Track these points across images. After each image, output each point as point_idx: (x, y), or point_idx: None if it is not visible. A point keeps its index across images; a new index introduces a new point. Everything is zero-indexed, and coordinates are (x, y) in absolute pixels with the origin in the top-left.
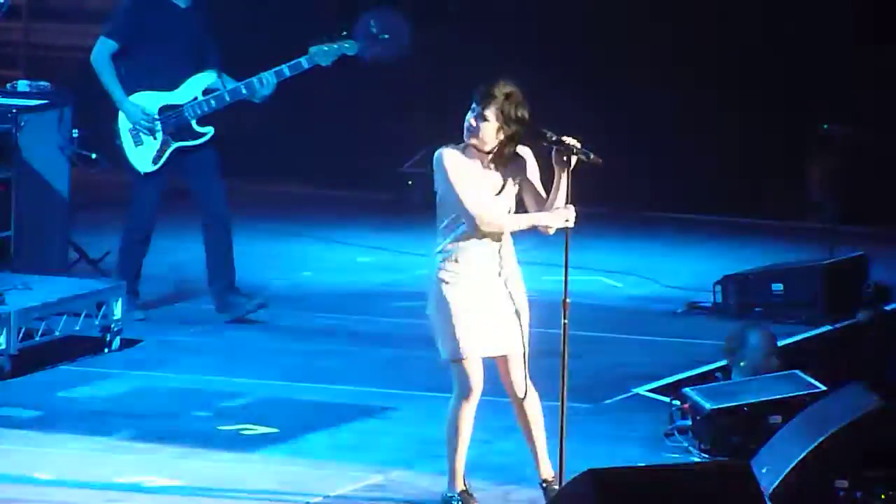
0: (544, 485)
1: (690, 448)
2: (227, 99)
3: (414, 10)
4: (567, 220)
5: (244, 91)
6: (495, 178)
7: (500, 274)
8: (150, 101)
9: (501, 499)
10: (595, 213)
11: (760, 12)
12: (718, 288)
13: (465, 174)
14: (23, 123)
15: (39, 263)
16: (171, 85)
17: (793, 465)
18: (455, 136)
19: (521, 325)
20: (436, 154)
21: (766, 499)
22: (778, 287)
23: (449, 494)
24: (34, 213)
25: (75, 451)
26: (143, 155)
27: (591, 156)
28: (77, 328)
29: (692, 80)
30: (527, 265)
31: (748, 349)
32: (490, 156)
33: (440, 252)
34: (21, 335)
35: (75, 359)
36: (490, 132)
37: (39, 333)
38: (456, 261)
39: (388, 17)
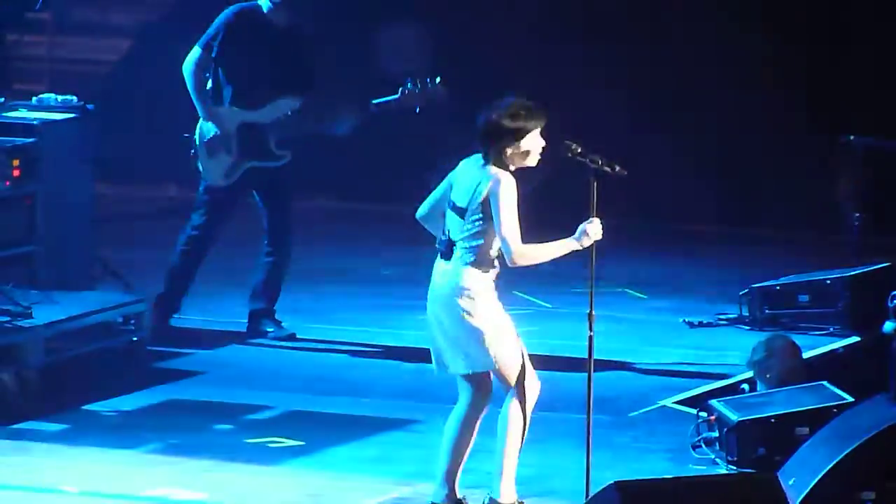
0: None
1: (717, 460)
2: (311, 128)
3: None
4: (595, 236)
5: (335, 127)
6: None
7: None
8: (231, 117)
9: None
10: (620, 225)
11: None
12: (744, 299)
13: (516, 206)
14: (47, 137)
15: (65, 277)
16: (256, 104)
17: (820, 476)
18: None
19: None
20: (496, 173)
21: None
22: (804, 298)
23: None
24: (59, 227)
25: (102, 465)
26: (215, 168)
27: (617, 168)
28: (103, 342)
29: (714, 90)
30: (552, 277)
31: (774, 360)
32: None
33: (470, 264)
34: (47, 349)
35: (102, 372)
36: None
37: (66, 348)
38: (484, 272)
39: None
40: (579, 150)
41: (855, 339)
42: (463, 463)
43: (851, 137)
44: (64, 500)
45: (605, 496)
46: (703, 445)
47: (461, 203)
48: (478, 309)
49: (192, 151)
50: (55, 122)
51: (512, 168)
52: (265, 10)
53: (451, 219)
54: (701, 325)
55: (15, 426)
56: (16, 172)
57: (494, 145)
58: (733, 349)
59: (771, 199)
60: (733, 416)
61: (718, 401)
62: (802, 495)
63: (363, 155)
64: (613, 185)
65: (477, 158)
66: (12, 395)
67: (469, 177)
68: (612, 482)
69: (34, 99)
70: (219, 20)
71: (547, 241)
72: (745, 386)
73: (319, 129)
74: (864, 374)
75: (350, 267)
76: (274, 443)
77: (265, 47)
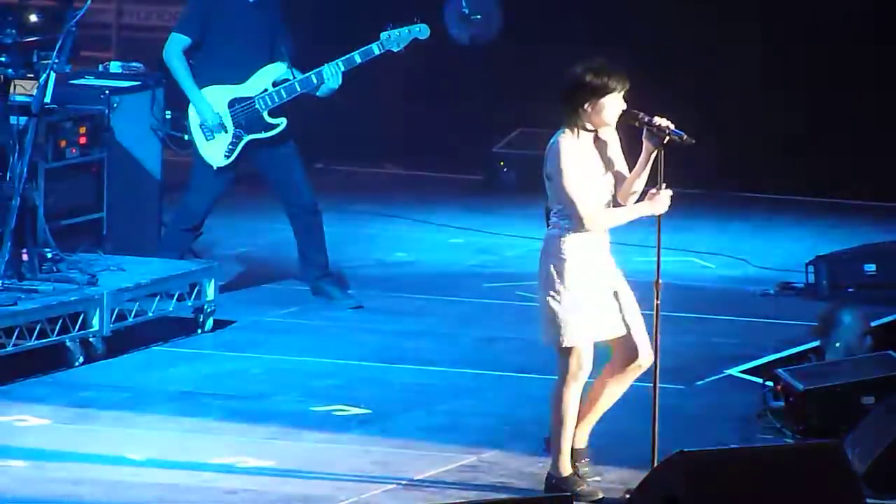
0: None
1: (783, 429)
2: (298, 89)
3: None
4: (665, 205)
5: (314, 80)
6: (599, 158)
7: (606, 256)
8: (219, 94)
9: (594, 479)
10: (686, 194)
11: None
12: (811, 268)
13: (580, 168)
14: (115, 105)
15: (132, 245)
16: (241, 78)
17: (886, 445)
18: (545, 116)
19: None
20: (554, 140)
21: (859, 479)
22: (871, 267)
23: (559, 476)
24: (126, 195)
25: (168, 432)
26: (214, 149)
27: (685, 136)
28: (170, 309)
29: (785, 57)
30: (619, 246)
31: (841, 330)
32: (594, 136)
33: (557, 235)
34: (114, 316)
35: (168, 340)
36: None
37: (132, 315)
38: (571, 238)
39: None
40: (647, 119)
41: None
42: (571, 435)
43: None
44: (129, 467)
45: (671, 465)
46: (769, 415)
47: (546, 168)
48: (550, 281)
49: (188, 137)
50: (122, 89)
51: (589, 128)
52: None
53: (547, 186)
54: (768, 294)
55: (81, 394)
56: (83, 140)
57: (572, 101)
58: (800, 318)
59: (840, 169)
60: (800, 386)
61: (785, 370)
62: (868, 464)
63: (431, 122)
64: (681, 153)
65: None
66: (78, 362)
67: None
68: (677, 451)
69: (101, 66)
70: (190, 3)
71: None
72: (812, 355)
73: (308, 91)
74: None
75: (418, 236)
76: (340, 411)
77: (241, 20)
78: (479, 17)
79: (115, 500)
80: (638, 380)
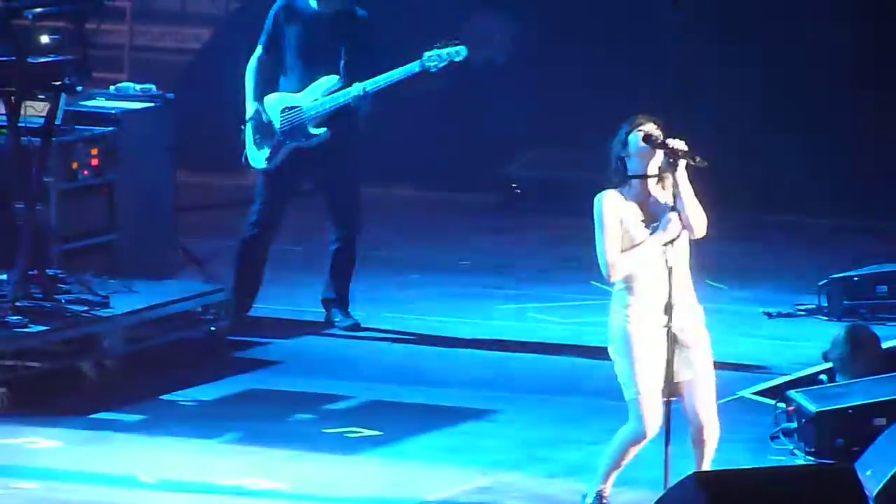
0: None
1: (795, 451)
2: (341, 101)
3: (519, 11)
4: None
5: (359, 94)
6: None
7: (669, 306)
8: (277, 102)
9: (611, 500)
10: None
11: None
12: (823, 290)
13: (609, 223)
14: (127, 126)
15: (145, 266)
16: (299, 87)
17: None
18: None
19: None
20: (597, 197)
21: (871, 501)
22: (883, 289)
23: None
24: (138, 216)
25: (181, 454)
26: (259, 152)
27: (698, 158)
28: (182, 331)
29: (802, 80)
30: None
31: (853, 351)
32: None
33: (617, 290)
34: (126, 338)
35: (180, 362)
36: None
37: (145, 337)
38: (631, 298)
39: (493, 19)
40: (659, 141)
41: None
42: (608, 481)
43: None
44: (142, 490)
45: (684, 487)
46: (782, 436)
47: None
48: (616, 332)
49: (242, 137)
50: (134, 111)
51: (624, 182)
52: (311, 1)
53: None
54: (780, 315)
55: (94, 416)
56: (95, 161)
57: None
58: (812, 340)
59: (851, 189)
60: (812, 407)
61: (797, 391)
62: (880, 486)
63: (445, 143)
64: (694, 175)
65: None
66: (92, 385)
67: None
68: (691, 473)
69: (113, 87)
70: (268, 16)
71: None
72: (824, 377)
73: (353, 104)
74: None
75: (431, 258)
76: (352, 433)
77: (308, 34)
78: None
79: None
80: None
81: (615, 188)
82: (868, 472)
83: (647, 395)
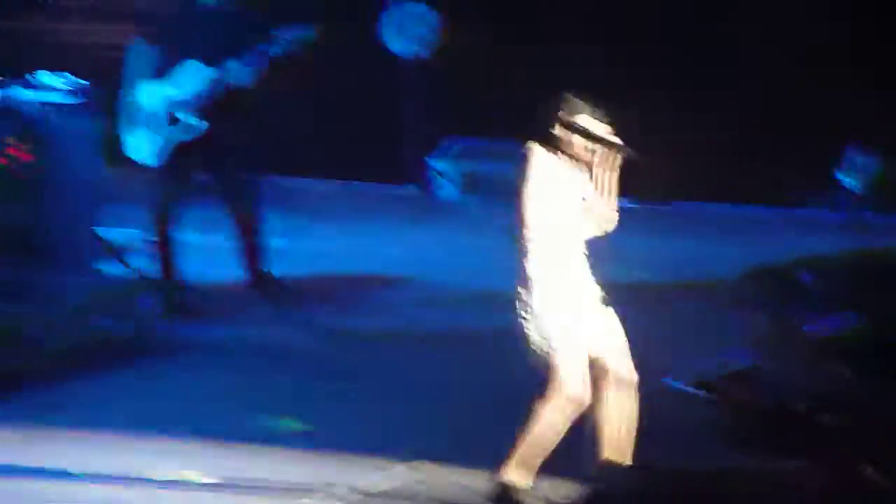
0: None
1: (718, 440)
2: (220, 89)
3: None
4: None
5: (231, 79)
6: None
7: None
8: (155, 93)
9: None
10: (619, 205)
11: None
12: (746, 279)
13: (535, 186)
14: (50, 117)
15: (68, 259)
16: (178, 78)
17: (832, 467)
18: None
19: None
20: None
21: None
22: (808, 278)
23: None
24: (63, 206)
25: (109, 448)
26: (144, 147)
27: (624, 148)
28: (107, 321)
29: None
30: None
31: (780, 340)
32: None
33: (535, 251)
34: (52, 332)
35: (108, 357)
36: None
37: (69, 327)
38: (551, 257)
39: (417, 12)
40: (586, 130)
41: (855, 319)
42: (541, 454)
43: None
44: (70, 483)
45: (606, 477)
46: (707, 426)
47: None
48: (539, 304)
49: (120, 134)
50: (58, 102)
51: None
52: None
53: None
54: (706, 304)
55: (23, 411)
56: (16, 151)
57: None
58: (739, 329)
59: (774, 178)
60: (738, 396)
61: (724, 381)
62: (814, 482)
63: (366, 133)
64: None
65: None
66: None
67: None
68: (611, 461)
69: (35, 78)
70: (147, 5)
71: None
72: (749, 367)
73: (230, 89)
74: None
75: (351, 248)
76: (274, 422)
77: (188, 26)
78: (418, 32)
79: None
80: None
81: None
82: (798, 466)
83: (574, 361)
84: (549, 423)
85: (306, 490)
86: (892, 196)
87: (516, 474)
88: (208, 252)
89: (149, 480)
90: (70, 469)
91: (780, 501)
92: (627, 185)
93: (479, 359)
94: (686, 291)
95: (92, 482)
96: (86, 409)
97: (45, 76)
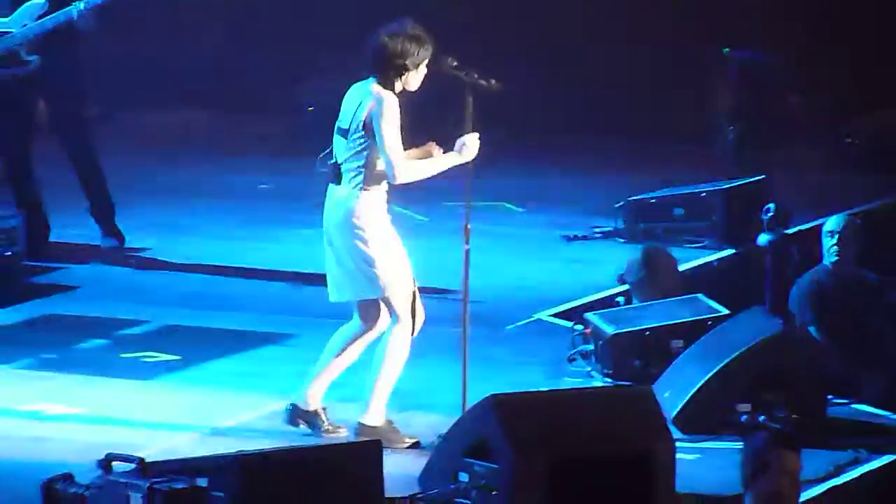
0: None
1: (593, 373)
2: (48, 25)
3: None
4: (474, 150)
5: (61, 18)
6: None
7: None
8: None
9: (403, 424)
10: (495, 138)
11: None
12: (620, 212)
13: (398, 124)
14: None
15: None
16: (9, 13)
17: (695, 389)
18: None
19: None
20: (375, 95)
21: (669, 423)
22: (679, 211)
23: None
24: None
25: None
26: None
27: (493, 82)
28: None
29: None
30: (427, 192)
31: (648, 273)
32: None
33: (359, 186)
34: None
35: None
36: None
37: None
38: (374, 193)
39: None
40: (455, 65)
41: (729, 251)
42: (333, 378)
43: (727, 50)
44: None
45: (482, 409)
46: (579, 358)
47: (344, 125)
48: (369, 233)
49: None
50: None
51: (397, 91)
52: None
53: (338, 142)
54: (577, 238)
55: None
56: None
57: (393, 68)
58: (609, 262)
59: (647, 110)
60: (608, 329)
61: (594, 314)
62: (678, 408)
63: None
64: (490, 99)
65: (364, 82)
66: None
67: (352, 98)
68: (488, 395)
69: None
70: None
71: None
72: (621, 299)
73: (60, 26)
74: (738, 287)
75: (226, 181)
76: (149, 357)
77: None
78: None
79: None
80: (447, 325)
81: (386, 88)
82: (666, 394)
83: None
84: (405, 358)
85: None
86: None
87: (378, 413)
88: None
89: (15, 413)
90: None
91: None
92: None
93: None
94: None
95: None
96: None
97: None
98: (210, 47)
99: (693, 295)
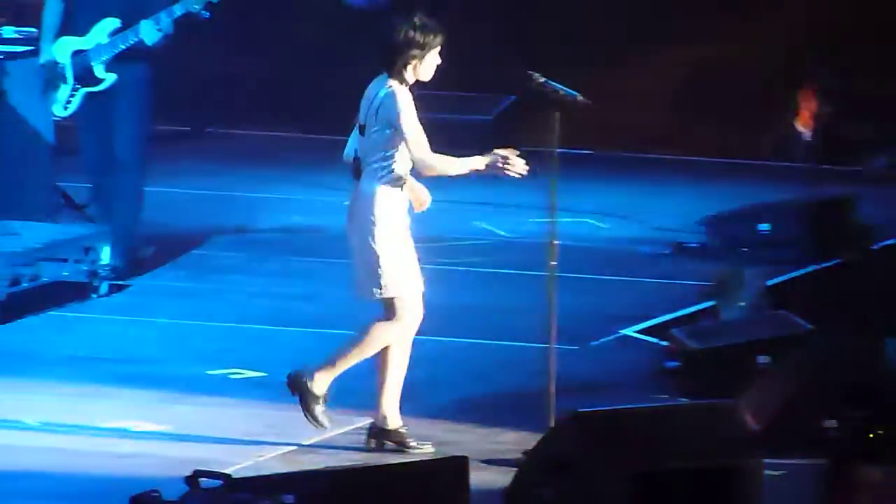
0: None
1: (678, 390)
2: (120, 45)
3: None
4: (506, 164)
5: (132, 37)
6: None
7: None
8: (65, 46)
9: (489, 441)
10: (582, 155)
11: None
12: (705, 228)
13: (416, 117)
14: (8, 70)
15: (24, 209)
16: (85, 30)
17: (781, 405)
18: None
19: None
20: (387, 89)
21: (754, 439)
22: (765, 227)
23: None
24: (17, 158)
25: (63, 397)
26: (56, 99)
27: (580, 98)
28: (64, 273)
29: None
30: (513, 208)
31: (735, 289)
32: None
33: (378, 181)
34: (8, 281)
35: (62, 304)
36: None
37: (26, 279)
38: (393, 188)
39: None
40: (542, 81)
41: (815, 267)
42: (398, 388)
43: (809, 67)
44: (23, 432)
45: (567, 425)
46: (664, 375)
47: (361, 121)
48: (380, 231)
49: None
50: (15, 54)
51: (411, 82)
52: None
53: (356, 138)
54: (661, 253)
55: None
56: None
57: (400, 59)
58: (694, 278)
59: (731, 128)
60: (694, 346)
61: (679, 330)
62: (763, 424)
63: (328, 85)
64: (576, 114)
65: (379, 78)
66: None
67: (368, 94)
68: (572, 412)
69: None
70: None
71: None
72: (707, 315)
73: (135, 45)
74: (823, 303)
75: (315, 199)
76: (235, 374)
77: None
78: None
79: (9, 464)
80: (532, 341)
81: (399, 82)
82: (752, 411)
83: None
84: (379, 345)
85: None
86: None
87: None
88: None
89: (102, 430)
90: (21, 418)
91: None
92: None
93: None
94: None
95: (42, 431)
96: (39, 355)
97: (8, 29)
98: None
99: (778, 311)
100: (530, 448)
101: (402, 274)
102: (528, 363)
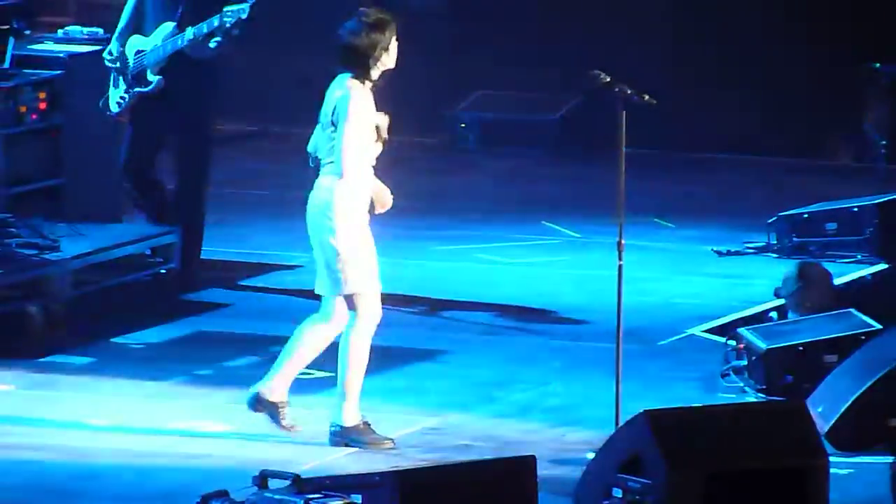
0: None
1: (746, 388)
2: (168, 49)
3: None
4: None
5: (179, 42)
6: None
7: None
8: (132, 44)
9: (557, 441)
10: (649, 155)
11: None
12: (772, 227)
13: (364, 120)
14: (74, 70)
15: (92, 210)
16: (150, 31)
17: (848, 404)
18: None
19: None
20: (345, 90)
21: (822, 438)
22: (832, 226)
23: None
24: (85, 160)
25: (129, 398)
26: (113, 95)
27: (646, 97)
28: (130, 274)
29: (740, 18)
30: (580, 207)
31: (803, 288)
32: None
33: (337, 179)
34: (74, 282)
35: (129, 305)
36: None
37: (93, 280)
38: (350, 194)
39: None
40: (608, 80)
41: (882, 266)
42: (295, 372)
43: (878, 65)
44: (90, 432)
45: (635, 425)
46: (732, 374)
47: (323, 118)
48: (339, 228)
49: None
50: (82, 54)
51: (376, 77)
52: None
53: (318, 134)
54: (729, 253)
55: (42, 360)
56: (42, 105)
57: (368, 60)
58: (761, 277)
59: (799, 127)
60: (762, 344)
61: (747, 329)
62: (831, 423)
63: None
64: (642, 114)
65: (341, 76)
66: (39, 329)
67: (330, 92)
68: (641, 411)
69: (60, 31)
70: None
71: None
72: (774, 314)
73: (180, 50)
74: (892, 301)
75: None
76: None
77: None
78: None
79: (76, 465)
80: (600, 340)
81: (361, 81)
82: (819, 409)
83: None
84: (367, 355)
85: None
86: None
87: (353, 413)
88: None
89: (168, 431)
90: (88, 419)
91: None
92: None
93: None
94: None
95: (109, 432)
96: (106, 356)
97: (74, 29)
98: None
99: (846, 310)
100: (599, 447)
101: (360, 271)
102: (596, 363)
